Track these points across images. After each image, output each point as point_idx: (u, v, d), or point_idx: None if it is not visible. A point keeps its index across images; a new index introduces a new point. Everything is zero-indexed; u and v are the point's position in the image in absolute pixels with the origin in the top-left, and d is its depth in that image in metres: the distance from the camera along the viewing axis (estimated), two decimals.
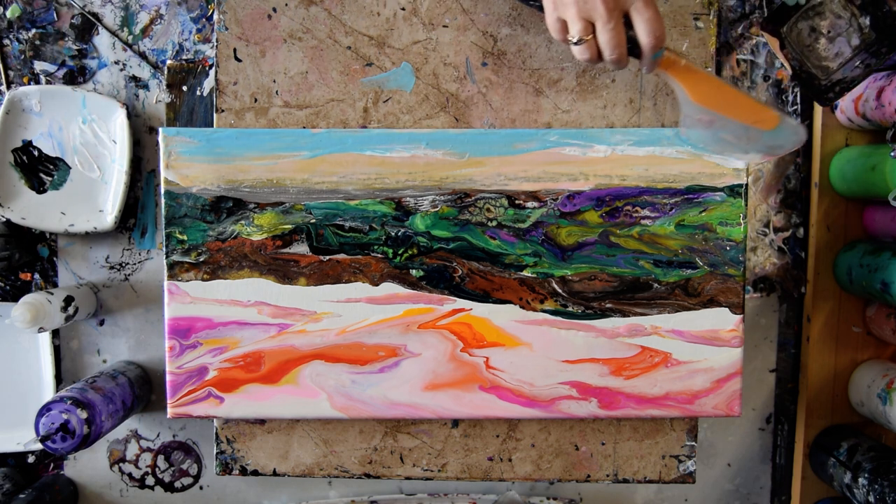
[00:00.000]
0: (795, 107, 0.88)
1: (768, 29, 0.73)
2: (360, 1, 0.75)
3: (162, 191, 0.73)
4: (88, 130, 0.86)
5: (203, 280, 0.74)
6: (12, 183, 0.86)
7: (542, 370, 0.74)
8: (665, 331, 0.74)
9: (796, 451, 0.90)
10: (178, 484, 0.92)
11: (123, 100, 0.88)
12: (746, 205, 0.73)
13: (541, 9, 0.65)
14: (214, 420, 0.78)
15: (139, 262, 0.90)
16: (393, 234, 0.74)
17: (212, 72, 0.87)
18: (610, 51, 0.61)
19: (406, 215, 0.74)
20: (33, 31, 0.88)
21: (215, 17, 0.76)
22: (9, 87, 0.88)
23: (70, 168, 0.87)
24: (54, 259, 0.90)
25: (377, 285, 0.74)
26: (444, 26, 0.76)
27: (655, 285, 0.74)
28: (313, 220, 0.73)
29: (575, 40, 0.62)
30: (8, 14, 0.88)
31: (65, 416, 0.75)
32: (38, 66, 0.89)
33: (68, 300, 0.83)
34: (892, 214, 0.82)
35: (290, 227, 0.73)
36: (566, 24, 0.63)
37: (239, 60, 0.76)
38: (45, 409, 0.75)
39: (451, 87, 0.76)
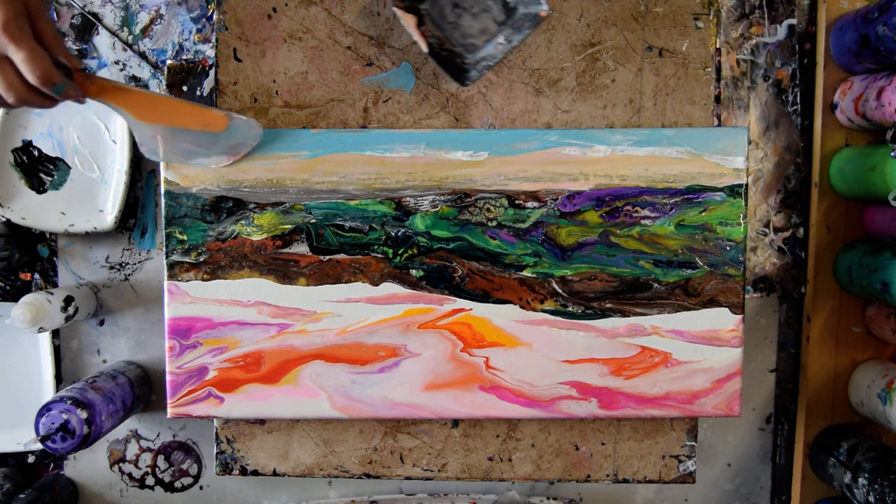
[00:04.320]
0: (795, 107, 0.89)
1: (404, 6, 0.71)
2: (361, 1, 0.75)
3: (162, 191, 0.73)
4: (88, 130, 0.86)
5: (203, 280, 0.74)
6: (12, 183, 0.86)
7: (542, 370, 0.74)
8: (665, 331, 0.74)
9: (796, 451, 0.90)
10: (178, 484, 0.92)
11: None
12: (746, 205, 0.73)
13: None
14: (214, 420, 0.78)
15: (139, 262, 0.90)
16: (393, 234, 0.74)
17: (212, 72, 0.87)
18: (5, 95, 0.61)
19: (406, 215, 0.74)
20: None
21: (215, 17, 0.76)
22: None
23: (70, 168, 0.87)
24: (54, 259, 0.90)
25: (377, 285, 0.74)
26: None
27: (655, 285, 0.74)
28: (313, 220, 0.73)
29: None
30: None
31: (65, 416, 0.75)
32: None
33: (68, 300, 0.83)
34: (892, 214, 0.82)
35: (290, 227, 0.73)
36: None
37: (239, 60, 0.76)
38: (45, 409, 0.75)
39: (451, 87, 0.76)
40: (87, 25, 0.88)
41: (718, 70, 0.88)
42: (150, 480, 0.92)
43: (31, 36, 0.59)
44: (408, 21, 0.70)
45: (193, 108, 0.71)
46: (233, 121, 0.71)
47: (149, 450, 0.92)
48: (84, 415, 0.75)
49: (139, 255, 0.90)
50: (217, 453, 0.78)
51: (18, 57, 0.59)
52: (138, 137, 0.70)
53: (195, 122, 0.70)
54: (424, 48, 0.70)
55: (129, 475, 0.92)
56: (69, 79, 0.62)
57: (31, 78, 0.60)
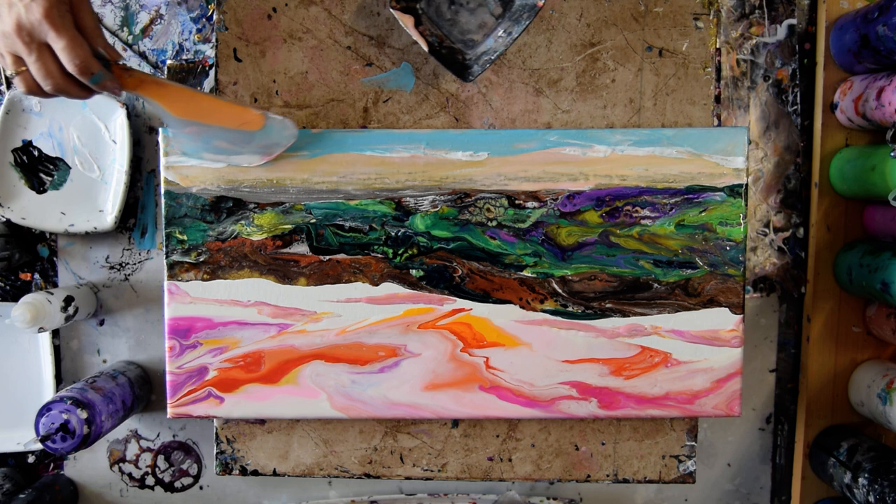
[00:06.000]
0: (795, 107, 0.88)
1: (400, 6, 0.71)
2: (361, 1, 0.75)
3: (162, 191, 0.73)
4: (88, 130, 0.86)
5: (203, 280, 0.74)
6: (12, 183, 0.86)
7: (542, 370, 0.74)
8: (665, 331, 0.74)
9: (796, 451, 0.90)
10: (178, 484, 0.92)
11: (123, 100, 0.88)
12: (746, 205, 0.73)
13: None
14: (214, 420, 0.78)
15: (139, 262, 0.90)
16: (393, 234, 0.74)
17: (212, 72, 0.87)
18: (42, 82, 0.61)
19: (406, 215, 0.74)
20: None
21: (215, 17, 0.76)
22: (9, 87, 0.88)
23: (70, 168, 0.87)
24: (54, 259, 0.90)
25: (377, 285, 0.74)
26: None
27: (655, 285, 0.74)
28: (313, 220, 0.73)
29: (8, 74, 0.61)
30: None
31: (65, 416, 0.75)
32: None
33: (68, 300, 0.83)
34: (892, 214, 0.82)
35: (290, 227, 0.73)
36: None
37: (239, 60, 0.76)
38: (45, 409, 0.75)
39: (451, 87, 0.76)
40: None
41: (718, 70, 0.88)
42: (150, 480, 0.92)
43: (73, 24, 0.59)
44: (405, 22, 0.70)
45: (230, 106, 0.71)
46: (268, 120, 0.71)
47: (149, 450, 0.92)
48: (84, 415, 0.75)
49: (139, 255, 0.90)
50: (217, 453, 0.78)
51: (59, 45, 0.59)
52: (172, 133, 0.70)
53: (231, 119, 0.70)
54: (424, 47, 0.70)
55: (129, 475, 0.92)
56: (107, 70, 0.62)
57: (70, 66, 0.60)
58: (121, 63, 0.65)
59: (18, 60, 0.60)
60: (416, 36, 0.71)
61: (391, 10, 0.71)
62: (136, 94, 0.66)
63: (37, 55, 0.59)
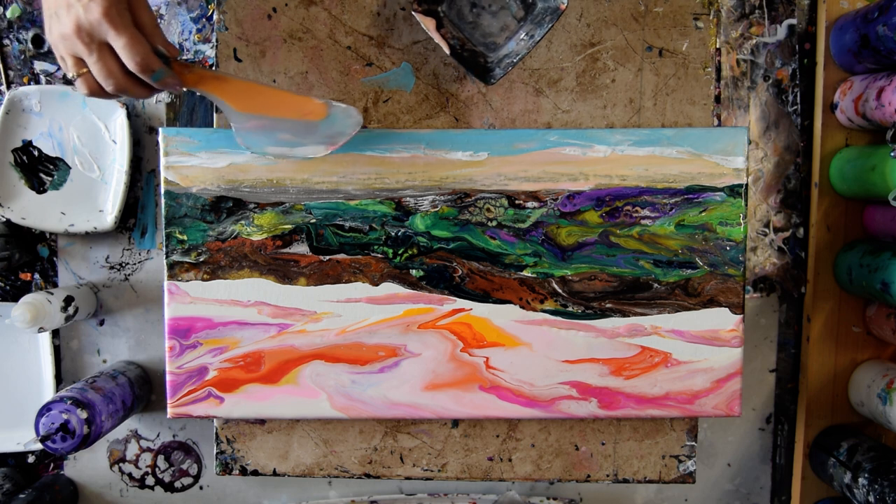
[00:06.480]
0: (795, 107, 0.88)
1: (422, 9, 0.70)
2: (360, 1, 0.75)
3: (162, 191, 0.73)
4: (88, 130, 0.86)
5: (203, 280, 0.74)
6: (12, 183, 0.86)
7: (542, 370, 0.74)
8: (665, 331, 0.74)
9: (796, 451, 0.90)
10: (178, 484, 0.92)
11: (123, 100, 0.88)
12: (746, 205, 0.73)
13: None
14: (214, 420, 0.78)
15: (139, 262, 0.90)
16: (393, 234, 0.74)
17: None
18: (104, 82, 0.60)
19: (406, 215, 0.74)
20: (33, 31, 0.88)
21: (215, 17, 0.76)
22: (9, 87, 0.88)
23: (70, 168, 0.87)
24: (54, 259, 0.90)
25: (377, 285, 0.74)
26: None
27: (655, 285, 0.74)
28: (313, 220, 0.73)
29: (70, 76, 0.61)
30: (8, 14, 0.88)
31: (65, 416, 0.75)
32: (38, 66, 0.89)
33: (68, 300, 0.83)
34: (892, 214, 0.82)
35: (290, 227, 0.73)
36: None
37: (239, 60, 0.76)
38: (45, 409, 0.75)
39: (451, 87, 0.76)
40: None
41: (718, 70, 0.88)
42: (150, 480, 0.92)
43: (132, 23, 0.59)
44: (427, 24, 0.70)
45: (292, 97, 0.70)
46: (332, 109, 0.70)
47: (149, 450, 0.92)
48: (84, 415, 0.75)
49: (139, 255, 0.90)
50: (217, 453, 0.78)
51: (119, 43, 0.58)
52: (235, 128, 0.69)
53: (294, 111, 0.69)
54: (446, 50, 0.70)
55: (129, 475, 0.92)
56: (167, 67, 0.62)
57: (131, 65, 0.59)
58: (180, 59, 0.64)
59: (79, 62, 0.60)
60: (437, 39, 0.70)
61: (413, 12, 0.70)
62: (197, 90, 0.65)
63: (97, 55, 0.59)
